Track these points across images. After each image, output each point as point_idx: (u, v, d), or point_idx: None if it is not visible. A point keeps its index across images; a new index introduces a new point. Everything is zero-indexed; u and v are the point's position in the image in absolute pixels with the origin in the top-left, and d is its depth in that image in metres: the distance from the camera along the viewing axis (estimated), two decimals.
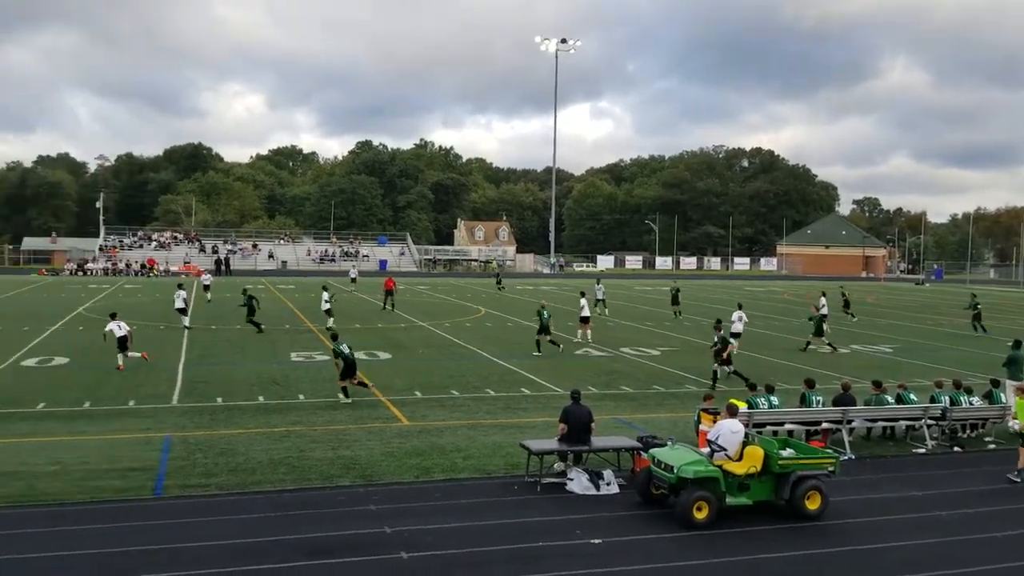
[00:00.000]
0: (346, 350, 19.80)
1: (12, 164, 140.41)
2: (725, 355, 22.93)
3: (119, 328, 23.46)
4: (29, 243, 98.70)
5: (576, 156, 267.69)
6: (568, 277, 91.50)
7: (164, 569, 9.73)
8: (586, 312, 31.23)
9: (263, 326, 32.21)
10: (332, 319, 33.66)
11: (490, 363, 25.77)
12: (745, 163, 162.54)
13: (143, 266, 79.40)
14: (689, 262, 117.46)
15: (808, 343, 30.19)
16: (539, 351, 27.33)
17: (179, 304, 33.44)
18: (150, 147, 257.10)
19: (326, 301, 34.63)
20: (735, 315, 29.23)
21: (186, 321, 32.73)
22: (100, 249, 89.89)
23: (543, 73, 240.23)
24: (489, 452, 15.26)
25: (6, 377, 21.68)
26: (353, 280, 60.53)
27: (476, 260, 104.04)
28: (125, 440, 15.58)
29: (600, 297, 41.91)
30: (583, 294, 33.11)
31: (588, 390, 20.46)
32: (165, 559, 10.02)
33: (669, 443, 13.17)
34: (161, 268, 79.66)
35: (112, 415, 17.66)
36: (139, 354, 23.57)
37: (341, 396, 19.56)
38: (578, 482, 13.48)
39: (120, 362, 23.11)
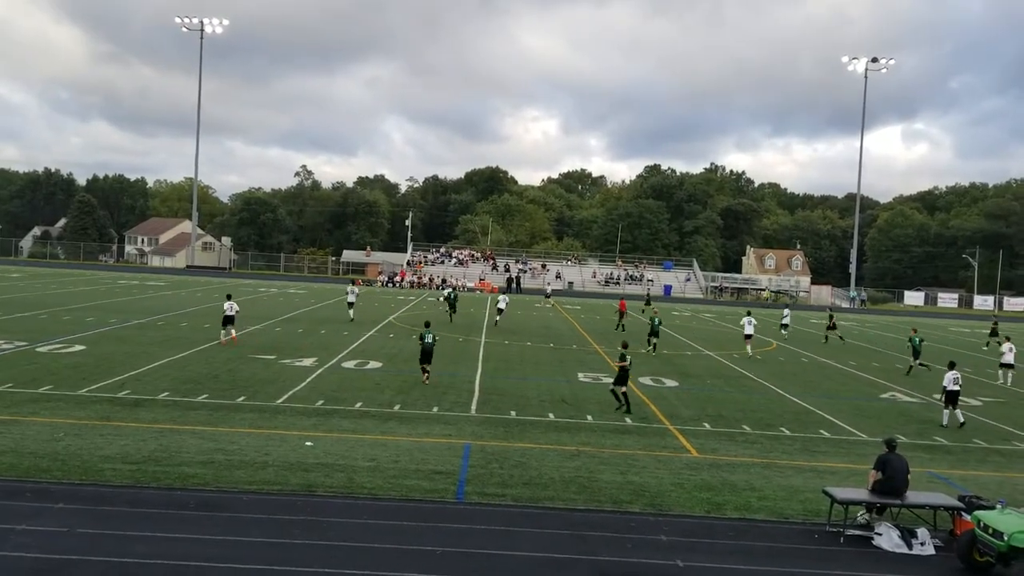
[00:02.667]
0: (427, 339, 23.50)
1: (337, 184, 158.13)
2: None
3: (231, 308, 29.99)
4: (348, 255, 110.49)
5: (883, 182, 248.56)
6: (870, 313, 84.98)
7: (472, 573, 10.20)
8: (749, 330, 35.36)
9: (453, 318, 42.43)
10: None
11: (783, 399, 24.49)
12: None
13: (391, 279, 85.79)
14: (1016, 303, 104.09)
15: None
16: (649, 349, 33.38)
17: (351, 299, 41.39)
18: (453, 170, 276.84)
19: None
20: (1005, 347, 31.34)
21: (351, 314, 41.16)
22: (408, 263, 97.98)
23: (850, 93, 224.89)
24: (786, 495, 14.43)
25: (331, 377, 24.12)
26: (547, 296, 62.82)
27: (765, 289, 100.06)
28: (430, 444, 16.66)
29: (785, 322, 45.00)
30: (748, 312, 36.71)
31: (897, 438, 18.69)
32: (467, 563, 10.49)
33: (999, 506, 11.74)
34: (458, 282, 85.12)
35: (419, 419, 18.98)
36: (232, 335, 29.81)
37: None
38: (888, 538, 12.37)
39: (223, 337, 29.79)
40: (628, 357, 21.37)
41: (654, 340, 34.41)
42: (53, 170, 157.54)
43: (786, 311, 46.82)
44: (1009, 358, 30.81)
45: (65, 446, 14.94)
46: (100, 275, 73.85)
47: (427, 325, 24.81)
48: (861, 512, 13.13)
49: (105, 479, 13.17)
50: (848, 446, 18.77)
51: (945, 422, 21.57)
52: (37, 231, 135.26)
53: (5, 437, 15.28)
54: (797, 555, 11.67)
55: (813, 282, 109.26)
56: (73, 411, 17.82)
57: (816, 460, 17.27)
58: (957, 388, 21.46)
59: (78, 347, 27.11)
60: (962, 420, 21.52)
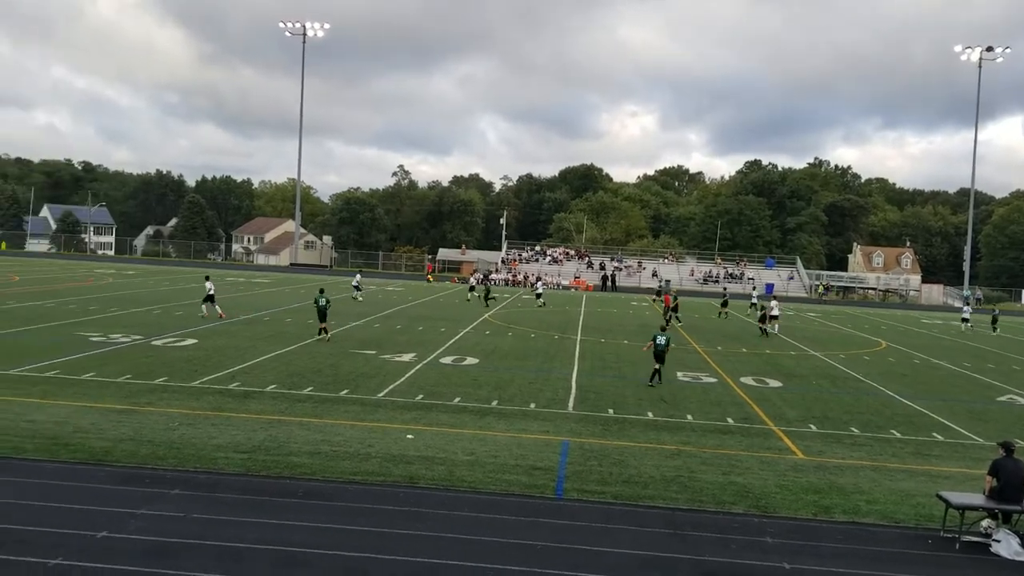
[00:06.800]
0: (321, 302, 29.79)
1: (433, 184, 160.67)
2: None
3: (210, 287, 35.66)
4: (443, 254, 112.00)
5: (1000, 176, 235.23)
6: (985, 313, 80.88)
7: (573, 568, 10.19)
8: (775, 312, 41.07)
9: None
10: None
11: (893, 401, 23.56)
12: None
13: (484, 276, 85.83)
14: None
15: None
16: None
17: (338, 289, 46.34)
18: (547, 168, 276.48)
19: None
20: None
21: (359, 296, 48.98)
22: (502, 262, 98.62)
23: (967, 82, 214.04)
24: (897, 499, 13.87)
25: (429, 372, 24.47)
26: (472, 289, 57.28)
27: (874, 288, 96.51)
28: (528, 440, 16.70)
29: (753, 301, 48.78)
30: (774, 298, 41.92)
31: (1015, 442, 17.73)
32: (568, 558, 10.48)
33: None
34: (554, 282, 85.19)
35: (516, 415, 19.06)
36: (219, 312, 35.30)
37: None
38: (1006, 544, 11.75)
39: (205, 311, 35.32)
40: (659, 337, 24.69)
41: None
42: (164, 172, 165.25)
43: (753, 297, 48.54)
44: None
45: (180, 435, 15.61)
46: (209, 272, 76.88)
47: (321, 291, 30.97)
48: (987, 521, 12.51)
49: (218, 467, 13.70)
50: (963, 450, 17.92)
51: None
52: (150, 230, 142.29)
53: (124, 426, 16.07)
54: (909, 560, 11.20)
55: (924, 280, 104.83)
56: (187, 402, 18.61)
57: (929, 464, 16.55)
58: None
59: (190, 341, 28.30)
60: None
